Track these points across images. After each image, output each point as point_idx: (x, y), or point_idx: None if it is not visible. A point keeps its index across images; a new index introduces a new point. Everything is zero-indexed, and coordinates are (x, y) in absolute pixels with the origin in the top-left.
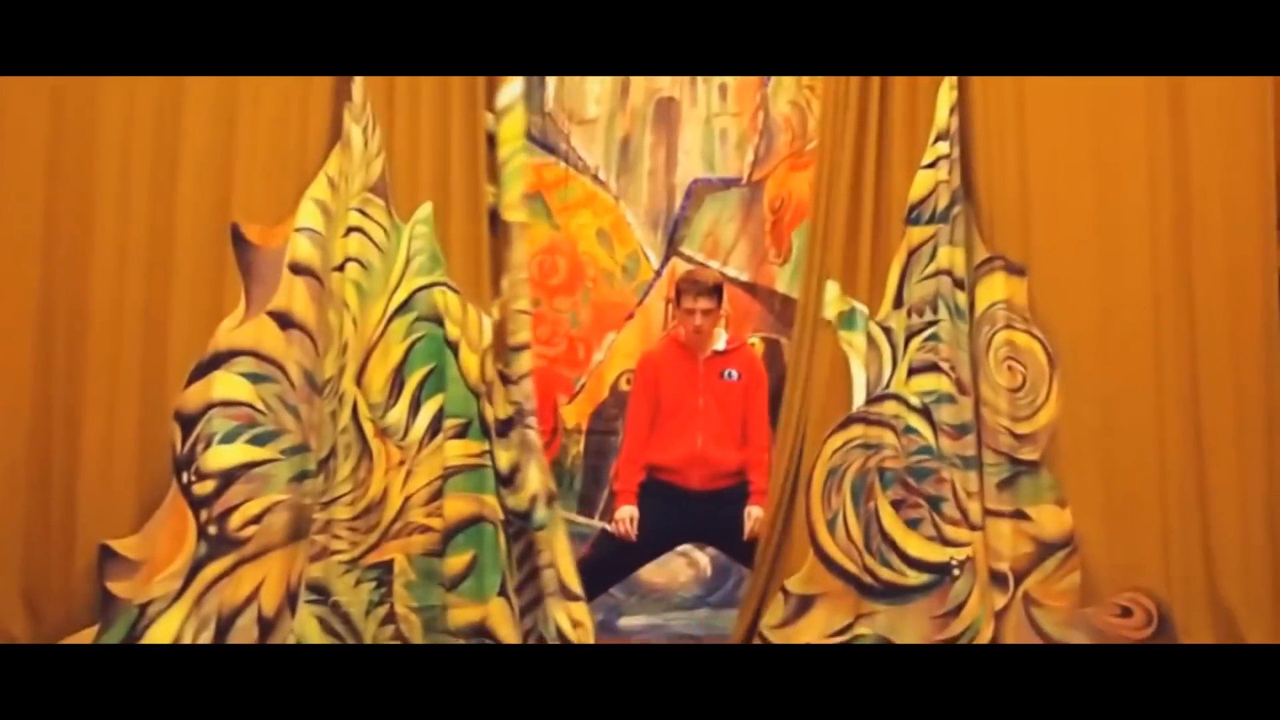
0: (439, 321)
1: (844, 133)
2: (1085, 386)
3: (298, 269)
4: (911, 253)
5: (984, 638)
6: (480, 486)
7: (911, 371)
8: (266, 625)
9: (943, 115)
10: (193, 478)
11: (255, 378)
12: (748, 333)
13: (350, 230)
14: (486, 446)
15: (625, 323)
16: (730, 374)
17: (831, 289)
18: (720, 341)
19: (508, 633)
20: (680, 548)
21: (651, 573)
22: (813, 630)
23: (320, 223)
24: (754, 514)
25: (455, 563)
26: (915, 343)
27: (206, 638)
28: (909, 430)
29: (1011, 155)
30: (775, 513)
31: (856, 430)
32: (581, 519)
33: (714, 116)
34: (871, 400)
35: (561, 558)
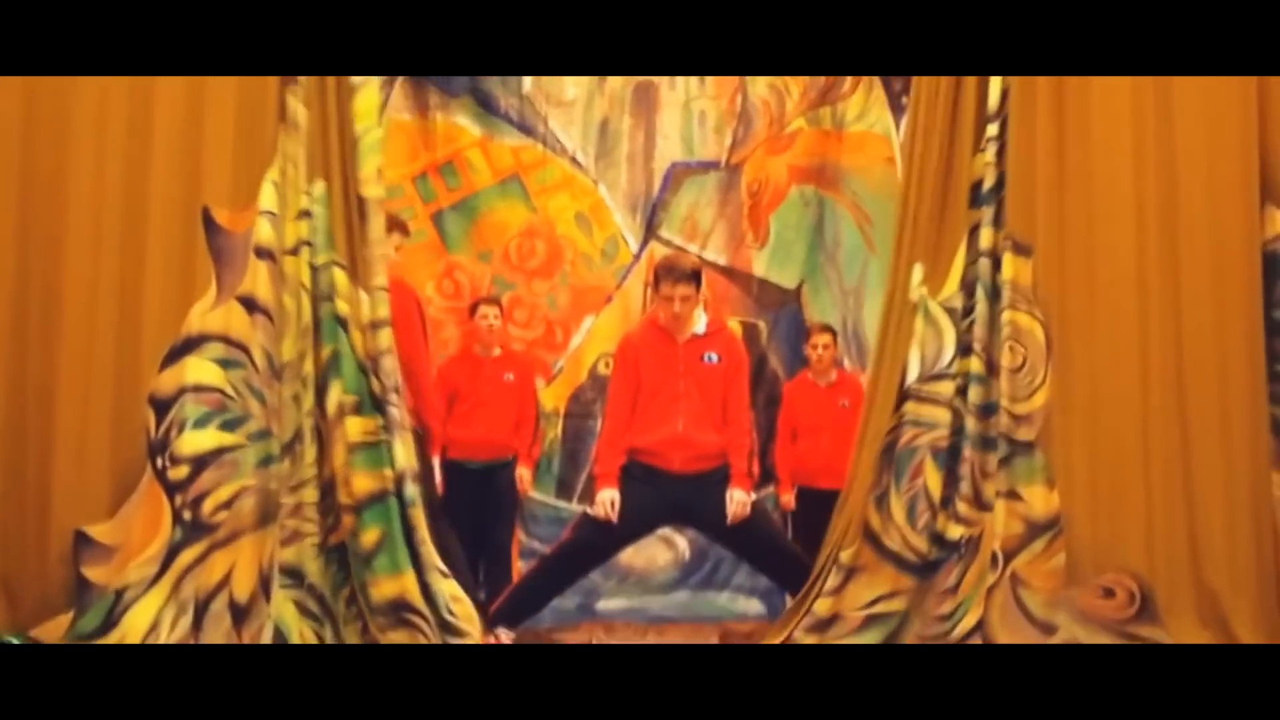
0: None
1: (934, 122)
2: (1075, 368)
3: (261, 252)
4: (970, 234)
5: (973, 617)
6: (379, 462)
7: (959, 352)
8: (239, 610)
9: (994, 97)
10: (167, 463)
11: (225, 363)
12: (726, 316)
13: (302, 213)
14: (380, 421)
15: (604, 306)
16: (710, 357)
17: (918, 272)
18: (700, 324)
19: (424, 606)
20: (659, 531)
21: (630, 556)
22: (851, 601)
23: (278, 205)
24: (736, 497)
25: (367, 539)
26: (965, 324)
27: (185, 623)
28: (954, 410)
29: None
30: (853, 489)
31: (908, 407)
32: (561, 502)
33: (692, 100)
34: (926, 379)
35: (430, 537)
